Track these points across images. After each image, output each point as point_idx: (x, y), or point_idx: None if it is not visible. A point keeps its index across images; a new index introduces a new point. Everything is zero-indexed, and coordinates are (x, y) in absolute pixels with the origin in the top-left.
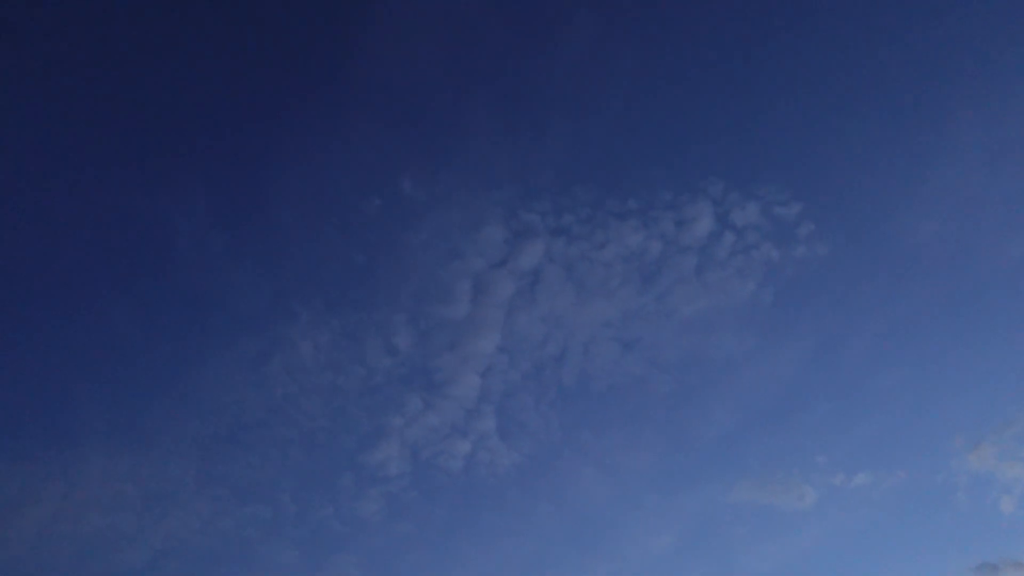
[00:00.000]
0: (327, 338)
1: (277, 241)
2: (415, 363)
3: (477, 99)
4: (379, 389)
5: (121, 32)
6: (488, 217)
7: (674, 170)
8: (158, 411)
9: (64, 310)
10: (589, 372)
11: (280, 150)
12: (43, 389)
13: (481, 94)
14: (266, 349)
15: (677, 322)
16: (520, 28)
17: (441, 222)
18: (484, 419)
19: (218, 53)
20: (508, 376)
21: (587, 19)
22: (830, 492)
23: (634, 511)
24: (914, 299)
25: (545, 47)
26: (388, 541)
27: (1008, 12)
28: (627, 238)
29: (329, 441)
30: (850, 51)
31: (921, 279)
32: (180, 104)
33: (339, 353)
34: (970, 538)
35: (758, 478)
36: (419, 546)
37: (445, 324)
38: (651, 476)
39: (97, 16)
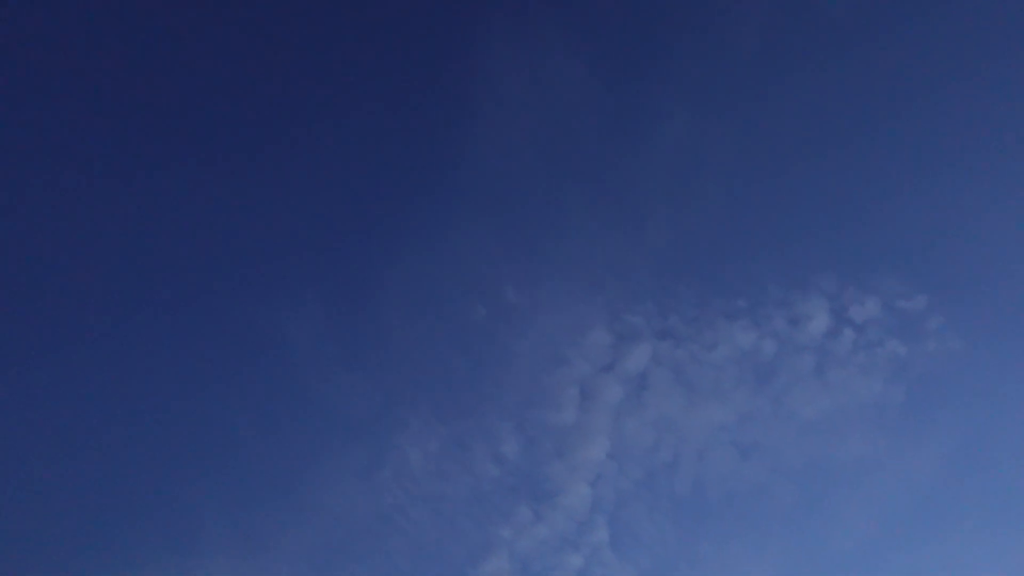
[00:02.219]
0: (435, 446)
1: (386, 350)
2: (523, 472)
3: (575, 200)
4: (487, 499)
5: (234, 154)
6: (592, 321)
7: (783, 265)
8: (273, 518)
9: (183, 419)
10: (705, 479)
11: (388, 261)
12: (165, 495)
13: (579, 195)
14: (376, 457)
15: (798, 425)
16: (614, 123)
17: (545, 328)
18: (596, 530)
19: (329, 170)
20: (619, 484)
21: (681, 108)
22: None
23: None
24: None
25: (639, 140)
26: None
27: None
28: (737, 338)
29: (438, 553)
30: (971, 120)
31: None
32: (296, 219)
33: (447, 461)
34: None
35: None
36: None
37: (552, 431)
38: None
39: (207, 146)
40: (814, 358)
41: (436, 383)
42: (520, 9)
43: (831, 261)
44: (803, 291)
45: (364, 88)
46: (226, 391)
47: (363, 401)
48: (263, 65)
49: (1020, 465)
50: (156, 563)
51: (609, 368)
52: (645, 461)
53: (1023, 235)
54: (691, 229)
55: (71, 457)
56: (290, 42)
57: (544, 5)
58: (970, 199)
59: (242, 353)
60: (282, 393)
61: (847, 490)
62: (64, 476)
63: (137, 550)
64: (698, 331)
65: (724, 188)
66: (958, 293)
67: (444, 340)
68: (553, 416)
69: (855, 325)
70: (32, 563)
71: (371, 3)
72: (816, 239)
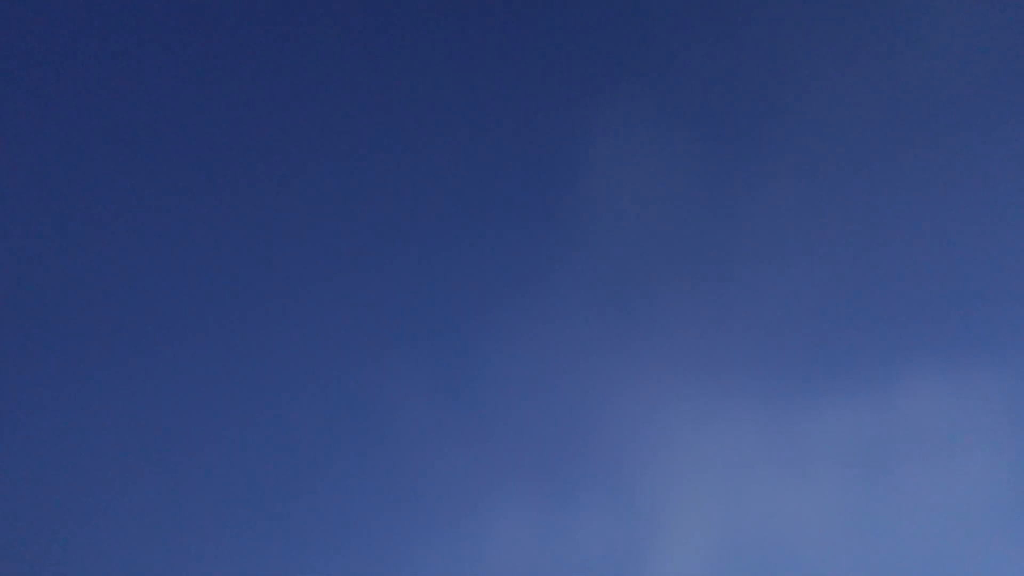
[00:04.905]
0: (524, 517)
1: (484, 427)
2: (614, 548)
3: (674, 273)
4: (584, 571)
5: (353, 237)
6: (689, 397)
7: (895, 341)
8: None
9: (291, 475)
10: (806, 568)
11: (492, 339)
12: (269, 551)
13: (679, 268)
14: (470, 531)
15: (908, 517)
16: (717, 192)
17: (639, 403)
18: None
19: (446, 254)
20: (713, 568)
21: (788, 177)
22: None
23: None
24: None
25: (744, 210)
26: None
27: None
28: (845, 420)
29: None
30: None
31: None
32: (416, 300)
33: (535, 534)
34: None
35: None
36: None
37: (646, 509)
38: None
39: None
40: (930, 443)
41: (528, 452)
42: (620, 89)
43: (949, 337)
44: (920, 370)
45: (471, 175)
46: (335, 454)
47: (460, 476)
48: (381, 158)
49: None
50: None
51: (706, 444)
52: (741, 543)
53: None
54: (796, 296)
55: (191, 501)
56: (400, 131)
57: (645, 84)
58: None
59: (352, 418)
60: (386, 463)
61: None
62: (182, 517)
63: None
64: (802, 408)
65: (834, 257)
66: None
67: (536, 408)
68: (646, 491)
69: (979, 407)
70: None
71: (471, 93)
72: (932, 312)
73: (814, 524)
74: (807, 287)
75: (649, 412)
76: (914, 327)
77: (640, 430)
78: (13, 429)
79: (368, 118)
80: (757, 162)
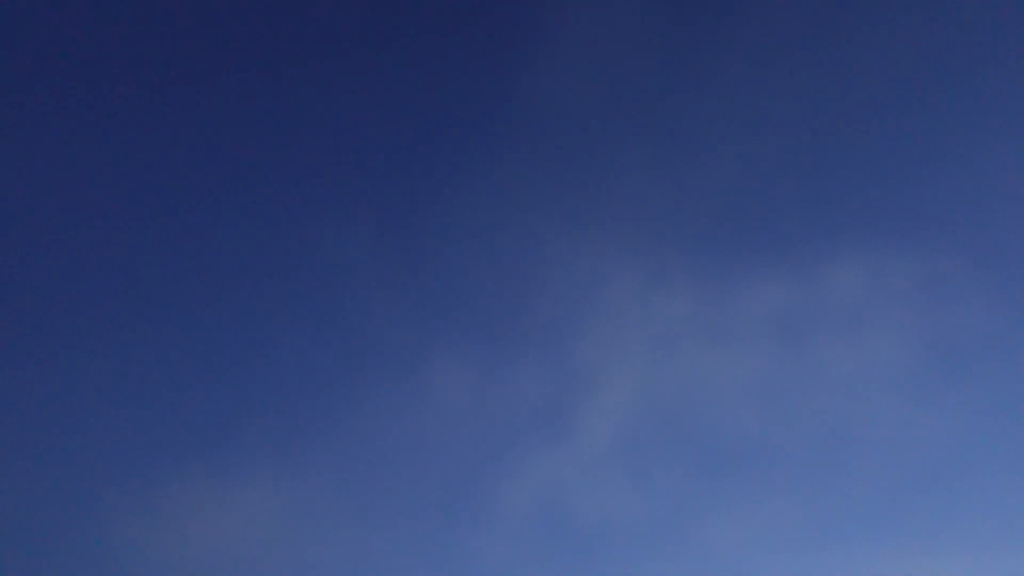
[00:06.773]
0: (464, 373)
1: (425, 277)
2: (548, 405)
3: (625, 141)
4: (510, 432)
5: (294, 73)
6: (627, 262)
7: (819, 224)
8: (306, 433)
9: (222, 326)
10: (726, 429)
11: (438, 188)
12: (207, 413)
13: (630, 136)
14: (407, 380)
15: (824, 384)
16: (673, 67)
17: (580, 265)
18: (614, 467)
19: (389, 95)
20: (640, 425)
21: (740, 59)
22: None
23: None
24: None
25: (696, 89)
26: None
27: None
28: (771, 293)
29: (458, 473)
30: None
31: None
32: (356, 142)
33: (474, 388)
34: None
35: (911, 547)
36: None
37: (579, 368)
38: (790, 536)
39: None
40: (844, 319)
41: (470, 312)
42: None
43: (869, 220)
44: (840, 250)
45: (427, 18)
46: (272, 302)
47: (399, 324)
48: None
49: None
50: (194, 480)
51: (640, 311)
52: (667, 405)
53: None
54: (737, 178)
55: (124, 374)
56: None
57: None
58: (1011, 163)
59: (290, 265)
60: (323, 308)
61: (865, 449)
62: (117, 386)
63: (175, 468)
64: (731, 286)
65: (774, 141)
66: (995, 257)
67: (481, 270)
68: (580, 353)
69: (888, 287)
70: (65, 482)
71: None
72: (857, 197)
73: (737, 389)
74: (745, 171)
75: (589, 278)
76: (836, 212)
77: (579, 295)
78: None
79: None
80: (722, 38)
